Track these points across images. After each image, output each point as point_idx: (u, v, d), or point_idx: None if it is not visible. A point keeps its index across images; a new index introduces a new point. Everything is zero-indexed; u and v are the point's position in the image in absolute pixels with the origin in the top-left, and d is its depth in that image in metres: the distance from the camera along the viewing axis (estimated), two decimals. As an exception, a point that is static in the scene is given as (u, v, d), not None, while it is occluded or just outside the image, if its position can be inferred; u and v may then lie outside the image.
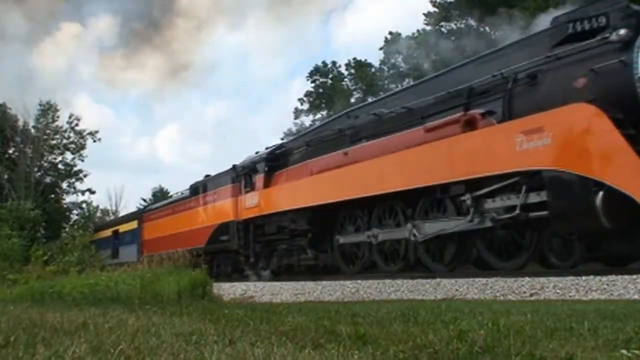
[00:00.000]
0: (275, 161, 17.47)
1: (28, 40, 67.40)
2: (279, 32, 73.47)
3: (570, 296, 8.54)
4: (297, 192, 15.51)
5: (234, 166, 20.03)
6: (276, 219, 16.55)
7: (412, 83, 13.73)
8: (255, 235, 17.76)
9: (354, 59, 44.72)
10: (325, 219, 14.78)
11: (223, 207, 20.17)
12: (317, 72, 45.37)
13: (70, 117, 44.51)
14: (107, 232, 33.88)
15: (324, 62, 45.56)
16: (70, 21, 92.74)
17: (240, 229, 18.54)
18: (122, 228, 31.89)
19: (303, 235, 15.53)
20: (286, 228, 16.22)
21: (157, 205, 29.98)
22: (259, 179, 17.65)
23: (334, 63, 45.81)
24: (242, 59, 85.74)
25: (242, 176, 18.80)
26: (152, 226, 27.51)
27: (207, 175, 23.44)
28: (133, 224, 29.94)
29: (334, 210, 14.46)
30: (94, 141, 44.99)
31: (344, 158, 14.01)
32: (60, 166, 44.70)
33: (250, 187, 18.04)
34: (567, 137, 8.91)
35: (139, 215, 30.43)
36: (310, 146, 15.95)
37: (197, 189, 23.07)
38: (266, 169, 17.42)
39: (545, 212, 9.35)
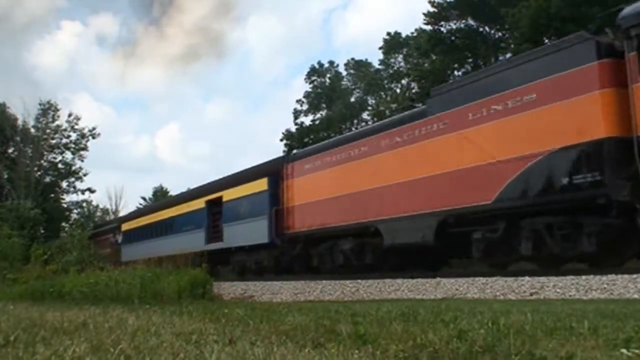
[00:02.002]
0: None
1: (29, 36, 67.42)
2: (281, 31, 73.47)
3: (570, 295, 8.55)
4: None
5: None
6: None
7: None
8: None
9: (352, 58, 44.90)
10: None
11: (566, 115, 9.97)
12: (315, 72, 45.42)
13: (69, 115, 44.61)
14: (195, 204, 22.80)
15: (319, 63, 45.68)
16: (71, 20, 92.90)
17: None
18: (231, 194, 20.10)
19: None
20: None
21: (329, 141, 18.03)
22: None
23: (331, 63, 45.93)
24: (243, 57, 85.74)
25: None
26: (315, 180, 16.11)
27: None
28: (258, 185, 18.39)
29: None
30: (93, 137, 45.08)
31: None
32: (60, 165, 44.78)
33: None
34: None
35: (273, 167, 18.37)
36: None
37: (447, 96, 12.50)
38: None
39: None
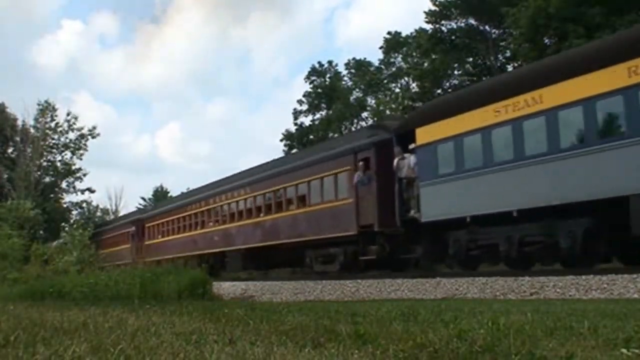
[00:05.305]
0: None
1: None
2: (282, 30, 73.27)
3: (570, 295, 8.54)
4: None
5: None
6: None
7: None
8: None
9: (353, 58, 44.85)
10: None
11: None
12: (315, 72, 45.38)
13: (68, 114, 44.54)
14: None
15: (319, 63, 45.66)
16: (72, 19, 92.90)
17: None
18: None
19: None
20: None
21: None
22: None
23: (330, 63, 45.89)
24: (244, 56, 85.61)
25: None
26: None
27: None
28: None
29: None
30: (93, 137, 44.99)
31: None
32: (58, 164, 44.71)
33: None
34: None
35: None
36: None
37: None
38: None
39: None
